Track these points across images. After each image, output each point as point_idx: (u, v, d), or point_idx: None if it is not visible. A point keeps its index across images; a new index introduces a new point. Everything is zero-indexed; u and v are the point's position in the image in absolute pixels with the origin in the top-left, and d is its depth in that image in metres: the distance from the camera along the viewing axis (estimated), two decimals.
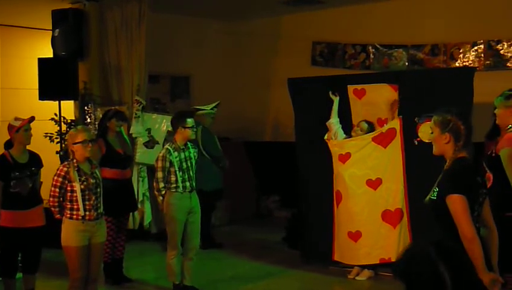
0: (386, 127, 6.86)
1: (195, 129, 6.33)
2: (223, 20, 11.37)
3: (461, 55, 9.36)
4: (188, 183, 6.26)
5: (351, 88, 7.12)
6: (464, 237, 3.36)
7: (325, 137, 7.13)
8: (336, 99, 7.07)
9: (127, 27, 9.00)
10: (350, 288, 6.99)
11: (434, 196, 3.56)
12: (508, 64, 8.97)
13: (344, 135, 7.08)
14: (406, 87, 6.74)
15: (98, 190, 5.33)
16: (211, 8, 10.43)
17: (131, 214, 7.81)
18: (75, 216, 5.18)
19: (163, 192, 6.22)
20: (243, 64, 11.53)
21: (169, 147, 6.22)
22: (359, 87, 7.07)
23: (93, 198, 5.24)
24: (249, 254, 8.27)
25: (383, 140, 6.82)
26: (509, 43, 8.96)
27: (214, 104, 8.84)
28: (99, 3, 9.23)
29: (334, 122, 7.06)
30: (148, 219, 8.60)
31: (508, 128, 4.49)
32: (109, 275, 6.92)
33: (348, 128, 7.16)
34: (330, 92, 7.09)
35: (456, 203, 3.39)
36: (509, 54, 8.96)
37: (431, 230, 6.36)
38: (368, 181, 6.85)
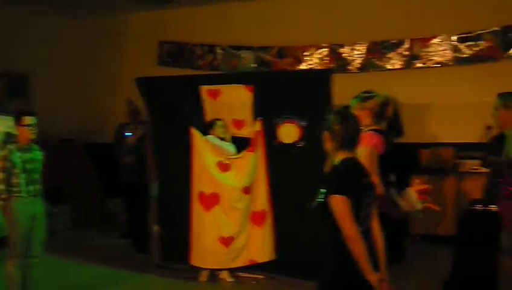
0: (252, 131, 6.86)
1: (33, 129, 5.88)
2: (68, 17, 10.95)
3: (307, 58, 9.65)
4: (31, 187, 5.85)
5: (204, 88, 7.04)
6: (347, 237, 3.38)
7: (207, 137, 7.04)
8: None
9: None
10: None
11: (321, 198, 3.52)
12: (350, 67, 9.38)
13: (232, 147, 7.05)
14: (264, 89, 6.76)
15: None
16: (55, 4, 9.99)
17: None
18: None
19: (3, 195, 5.75)
20: (88, 63, 11.19)
21: (12, 147, 5.79)
22: (213, 87, 7.01)
23: None
24: (95, 260, 7.93)
25: (252, 145, 6.84)
26: (351, 47, 9.38)
27: None
28: None
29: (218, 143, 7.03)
30: None
31: (364, 129, 4.62)
32: None
33: (202, 129, 7.08)
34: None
35: (338, 204, 3.40)
36: (352, 58, 9.38)
37: (294, 231, 6.55)
38: (244, 188, 6.85)
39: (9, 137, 7.54)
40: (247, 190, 6.84)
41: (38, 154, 5.95)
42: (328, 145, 3.63)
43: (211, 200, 6.97)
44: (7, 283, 5.92)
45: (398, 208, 4.63)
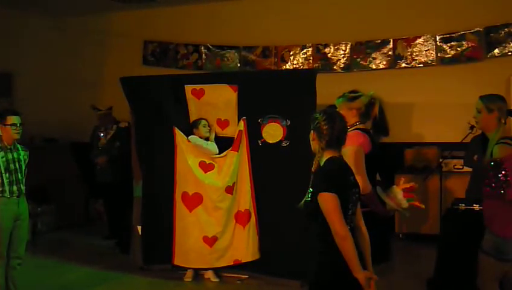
0: (236, 131, 6.86)
1: (18, 129, 5.84)
2: (52, 16, 10.88)
3: (291, 58, 9.66)
4: (15, 187, 5.81)
5: (189, 88, 7.01)
6: (336, 235, 3.37)
7: (189, 137, 7.00)
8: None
9: None
10: None
11: (308, 198, 3.52)
12: (335, 67, 9.40)
13: (214, 147, 7.01)
14: (248, 89, 6.76)
15: None
16: (39, 2, 9.93)
17: None
18: None
19: None
20: (72, 62, 11.18)
21: None
22: (198, 87, 6.98)
23: None
24: (80, 261, 7.89)
25: (236, 144, 6.83)
26: (335, 47, 9.41)
27: None
28: None
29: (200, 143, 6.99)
30: None
31: (349, 128, 4.64)
32: None
33: (186, 129, 7.06)
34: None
35: (328, 202, 3.39)
36: (336, 58, 9.40)
37: (278, 230, 6.56)
38: (227, 188, 6.84)
39: None
40: (230, 190, 6.83)
41: (22, 154, 5.91)
42: (315, 144, 3.63)
43: (194, 201, 6.96)
44: None
45: (385, 206, 4.66)
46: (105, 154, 8.83)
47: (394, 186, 4.75)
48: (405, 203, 4.69)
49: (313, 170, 3.60)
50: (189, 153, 6.98)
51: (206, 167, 6.94)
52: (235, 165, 6.81)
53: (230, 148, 6.85)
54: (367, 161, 4.49)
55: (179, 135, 7.01)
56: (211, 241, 6.88)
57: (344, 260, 3.38)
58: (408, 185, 4.74)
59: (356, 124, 4.73)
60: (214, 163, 6.93)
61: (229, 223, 6.86)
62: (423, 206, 4.84)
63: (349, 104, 4.77)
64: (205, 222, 6.90)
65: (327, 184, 3.44)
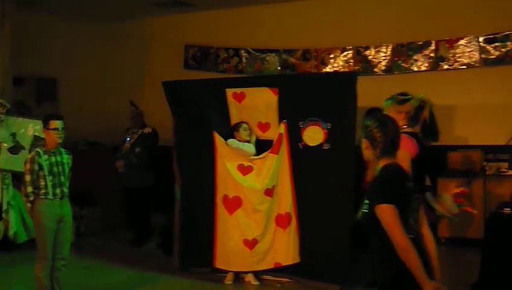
0: (276, 134, 6.85)
1: (60, 133, 5.93)
2: (94, 22, 11.06)
3: (332, 60, 9.61)
4: (58, 190, 5.90)
5: (230, 91, 7.05)
6: (398, 247, 3.23)
7: (228, 141, 7.05)
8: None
9: None
10: None
11: (366, 209, 3.38)
12: (375, 69, 9.32)
13: (251, 147, 7.04)
14: (289, 92, 6.76)
15: None
16: (81, 9, 10.13)
17: None
18: None
19: (31, 197, 5.80)
20: (114, 67, 11.31)
21: (39, 150, 5.87)
22: (239, 90, 7.02)
23: None
24: (122, 262, 7.99)
25: (275, 147, 6.82)
26: (376, 49, 9.32)
27: None
28: None
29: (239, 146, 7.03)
30: (13, 228, 8.06)
31: None
32: None
33: (227, 132, 7.09)
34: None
35: (386, 214, 3.24)
36: (377, 60, 9.32)
37: (319, 234, 6.54)
38: (266, 190, 6.84)
39: (37, 140, 7.65)
40: (269, 192, 6.83)
41: (65, 158, 6.01)
42: (368, 153, 3.50)
43: (234, 204, 6.99)
44: (36, 286, 5.97)
45: (434, 212, 4.56)
46: (124, 159, 8.89)
47: (443, 192, 4.65)
48: (455, 209, 4.57)
49: (368, 179, 3.48)
50: (227, 156, 7.01)
51: (244, 170, 6.95)
52: (275, 168, 6.80)
53: (270, 151, 6.85)
54: (414, 165, 4.40)
55: (218, 138, 7.05)
56: (251, 244, 6.88)
57: (409, 271, 3.23)
58: (459, 190, 4.61)
59: (403, 128, 4.63)
60: (252, 165, 6.94)
61: (269, 226, 6.85)
62: (475, 211, 4.70)
63: (398, 107, 4.69)
64: (245, 224, 6.91)
65: (383, 195, 3.29)
